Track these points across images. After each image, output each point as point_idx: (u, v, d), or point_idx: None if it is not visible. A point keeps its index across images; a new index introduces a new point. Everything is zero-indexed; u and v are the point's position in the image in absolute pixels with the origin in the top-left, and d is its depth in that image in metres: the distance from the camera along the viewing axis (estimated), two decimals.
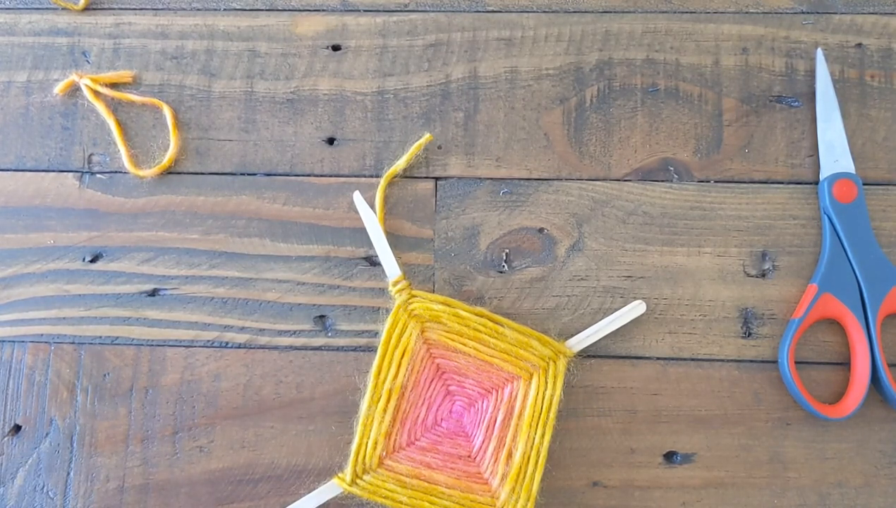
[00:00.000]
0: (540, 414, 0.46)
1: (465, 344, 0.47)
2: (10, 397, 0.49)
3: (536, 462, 0.45)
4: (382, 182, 0.50)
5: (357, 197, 0.50)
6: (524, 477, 0.45)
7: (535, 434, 0.45)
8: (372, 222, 0.49)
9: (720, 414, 0.47)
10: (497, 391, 0.47)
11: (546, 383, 0.46)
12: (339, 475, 0.46)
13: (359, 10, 0.53)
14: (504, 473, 0.45)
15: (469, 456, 0.46)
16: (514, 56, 0.52)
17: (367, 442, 0.46)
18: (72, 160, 0.52)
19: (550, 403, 0.46)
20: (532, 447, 0.45)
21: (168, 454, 0.48)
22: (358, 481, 0.46)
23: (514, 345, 0.47)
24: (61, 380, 0.49)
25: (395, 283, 0.48)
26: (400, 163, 0.50)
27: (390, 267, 0.48)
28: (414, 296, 0.48)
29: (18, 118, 0.53)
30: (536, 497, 0.45)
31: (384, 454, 0.46)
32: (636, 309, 0.48)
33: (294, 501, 0.46)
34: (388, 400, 0.46)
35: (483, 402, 0.47)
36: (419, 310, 0.47)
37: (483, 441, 0.46)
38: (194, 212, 0.51)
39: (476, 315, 0.47)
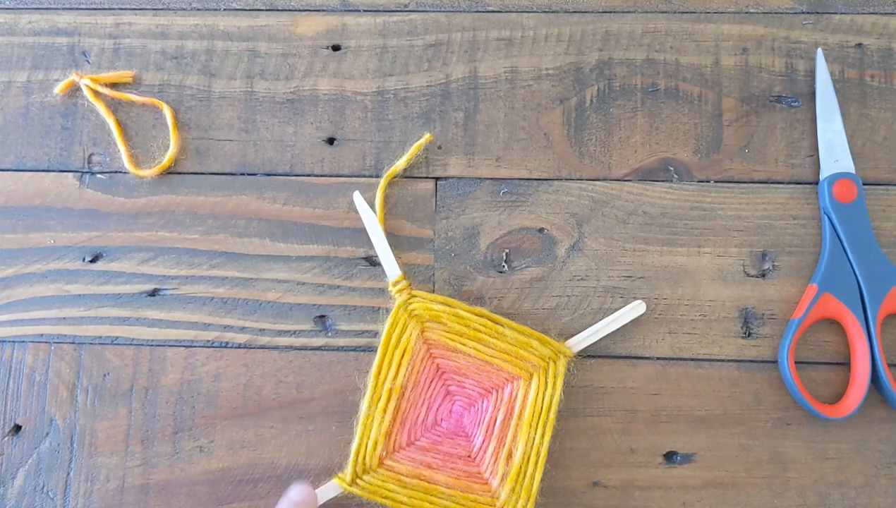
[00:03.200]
0: (540, 413, 0.46)
1: (465, 344, 0.47)
2: (10, 397, 0.49)
3: (536, 462, 0.45)
4: (382, 182, 0.50)
5: (357, 196, 0.50)
6: (524, 477, 0.45)
7: (536, 434, 0.45)
8: (372, 222, 0.49)
9: (720, 414, 0.47)
10: (497, 391, 0.47)
11: (546, 383, 0.46)
12: (340, 475, 0.46)
13: (359, 10, 0.53)
14: (504, 473, 0.45)
15: (469, 456, 0.46)
16: (514, 56, 0.52)
17: (367, 442, 0.46)
18: (72, 160, 0.52)
19: (550, 403, 0.46)
20: (532, 447, 0.45)
21: (168, 454, 0.48)
22: (358, 481, 0.46)
23: (514, 345, 0.47)
24: (61, 380, 0.49)
25: (395, 283, 0.48)
26: (400, 163, 0.50)
27: (390, 267, 0.48)
28: (414, 296, 0.48)
29: (18, 118, 0.53)
30: (536, 497, 0.45)
31: (384, 454, 0.46)
32: (636, 309, 0.48)
33: None
34: (388, 400, 0.46)
35: (483, 402, 0.47)
36: (419, 310, 0.47)
37: (483, 441, 0.46)
38: (194, 212, 0.51)
39: (476, 315, 0.47)
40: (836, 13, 0.52)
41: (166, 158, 0.51)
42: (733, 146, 0.50)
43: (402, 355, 0.47)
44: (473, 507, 0.45)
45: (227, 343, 0.49)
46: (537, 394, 0.46)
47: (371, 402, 0.46)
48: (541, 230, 0.50)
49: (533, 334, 0.47)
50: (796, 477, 0.47)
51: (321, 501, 0.46)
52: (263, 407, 0.49)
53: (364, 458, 0.46)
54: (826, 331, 0.48)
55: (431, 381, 0.47)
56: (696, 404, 0.48)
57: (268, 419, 0.48)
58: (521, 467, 0.45)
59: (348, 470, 0.46)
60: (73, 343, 0.50)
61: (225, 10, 0.54)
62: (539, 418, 0.46)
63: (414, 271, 0.50)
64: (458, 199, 0.51)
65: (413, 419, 0.47)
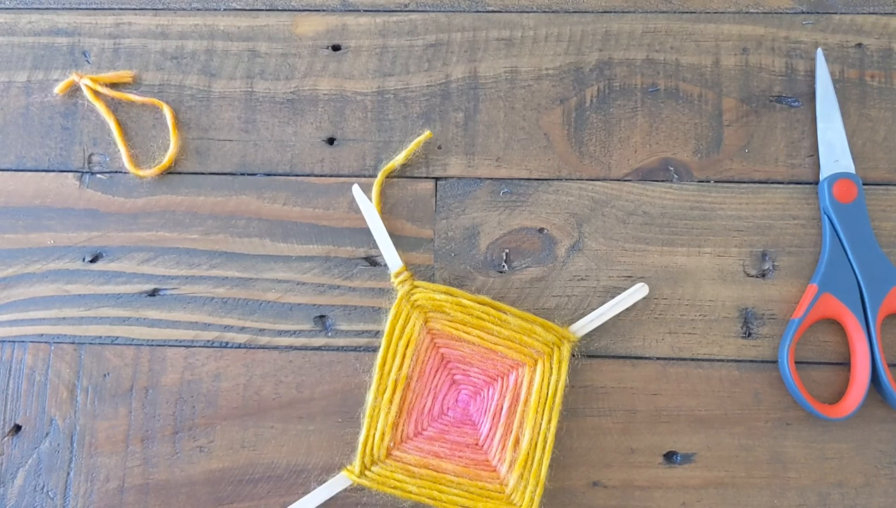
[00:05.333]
0: (546, 399, 0.46)
1: (468, 333, 0.47)
2: (10, 397, 0.49)
3: (544, 447, 0.45)
4: (380, 176, 0.50)
5: (356, 189, 0.50)
6: (532, 463, 0.45)
7: (542, 419, 0.46)
8: (371, 214, 0.49)
9: (720, 414, 0.47)
10: (502, 378, 0.47)
11: (551, 368, 0.46)
12: (349, 467, 0.46)
13: (359, 10, 0.53)
14: (512, 460, 0.45)
15: (476, 444, 0.47)
16: (514, 56, 0.52)
17: (374, 434, 0.46)
18: (72, 160, 0.52)
19: (556, 388, 0.46)
20: (539, 433, 0.45)
21: (168, 454, 0.48)
22: (367, 472, 0.46)
23: (518, 332, 0.47)
24: (61, 380, 0.49)
25: (397, 275, 0.48)
26: (399, 158, 0.50)
27: (391, 258, 0.48)
28: (416, 287, 0.48)
29: (18, 118, 0.53)
30: (545, 482, 0.45)
31: (392, 445, 0.46)
32: (639, 291, 0.48)
33: (295, 500, 0.46)
34: (394, 391, 0.46)
35: (489, 390, 0.47)
36: (422, 300, 0.47)
37: (490, 429, 0.46)
38: (194, 212, 0.51)
39: (479, 303, 0.47)
40: (836, 13, 0.52)
41: (166, 158, 0.51)
42: (733, 146, 0.50)
43: (407, 345, 0.47)
44: (482, 494, 0.45)
45: (227, 343, 0.49)
46: (542, 380, 0.46)
47: (377, 394, 0.46)
48: (541, 230, 0.50)
49: (536, 320, 0.47)
50: (796, 477, 0.47)
51: (331, 494, 0.46)
52: (263, 407, 0.49)
53: (372, 450, 0.46)
54: (826, 331, 0.48)
55: (436, 371, 0.47)
56: (696, 404, 0.48)
57: (268, 419, 0.48)
58: (528, 453, 0.45)
59: (356, 462, 0.46)
60: (73, 343, 0.50)
61: (225, 10, 0.54)
62: (545, 404, 0.46)
63: (414, 271, 0.50)
64: (458, 199, 0.51)
65: (419, 409, 0.47)
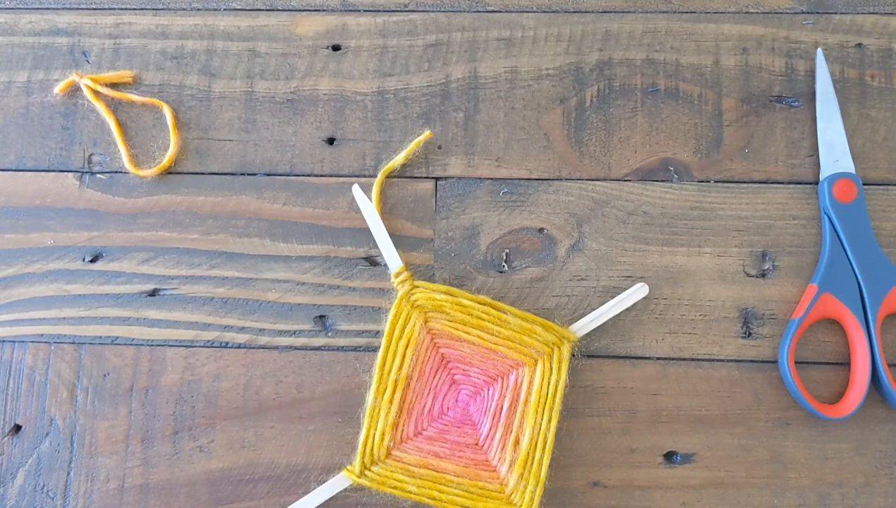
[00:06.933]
0: (546, 399, 0.46)
1: (468, 333, 0.47)
2: (10, 397, 0.49)
3: (544, 447, 0.45)
4: (380, 176, 0.50)
5: (356, 189, 0.50)
6: (532, 463, 0.45)
7: (542, 419, 0.46)
8: (371, 214, 0.49)
9: (720, 414, 0.47)
10: (502, 378, 0.47)
11: (551, 368, 0.46)
12: (349, 467, 0.46)
13: (359, 10, 0.53)
14: (512, 460, 0.45)
15: (476, 444, 0.47)
16: (514, 56, 0.52)
17: (374, 434, 0.46)
18: (72, 160, 0.52)
19: (556, 388, 0.46)
20: (539, 433, 0.46)
21: (168, 454, 0.48)
22: (367, 472, 0.46)
23: (518, 332, 0.47)
24: (61, 380, 0.49)
25: (398, 275, 0.48)
26: (399, 158, 0.50)
27: (391, 258, 0.49)
28: (416, 287, 0.48)
29: (18, 118, 0.53)
30: (545, 482, 0.45)
31: (392, 445, 0.46)
32: (639, 291, 0.48)
33: (295, 500, 0.46)
34: (394, 391, 0.46)
35: (489, 390, 0.47)
36: (422, 300, 0.47)
37: (490, 429, 0.46)
38: (194, 212, 0.51)
39: (479, 303, 0.47)
40: (836, 13, 0.52)
41: (166, 158, 0.51)
42: (733, 146, 0.50)
43: (407, 345, 0.47)
44: (482, 494, 0.45)
45: (227, 343, 0.50)
46: (542, 380, 0.46)
47: (377, 394, 0.46)
48: (541, 230, 0.50)
49: (536, 320, 0.47)
50: (796, 477, 0.47)
51: (331, 494, 0.46)
52: (263, 407, 0.49)
53: (372, 450, 0.46)
54: (826, 331, 0.48)
55: (436, 371, 0.47)
56: (696, 404, 0.48)
57: (268, 419, 0.48)
58: (528, 453, 0.45)
59: (357, 462, 0.46)
60: (73, 343, 0.50)
61: (225, 10, 0.54)
62: (545, 404, 0.46)
63: (414, 271, 0.50)
64: (458, 199, 0.51)
65: (419, 409, 0.47)
